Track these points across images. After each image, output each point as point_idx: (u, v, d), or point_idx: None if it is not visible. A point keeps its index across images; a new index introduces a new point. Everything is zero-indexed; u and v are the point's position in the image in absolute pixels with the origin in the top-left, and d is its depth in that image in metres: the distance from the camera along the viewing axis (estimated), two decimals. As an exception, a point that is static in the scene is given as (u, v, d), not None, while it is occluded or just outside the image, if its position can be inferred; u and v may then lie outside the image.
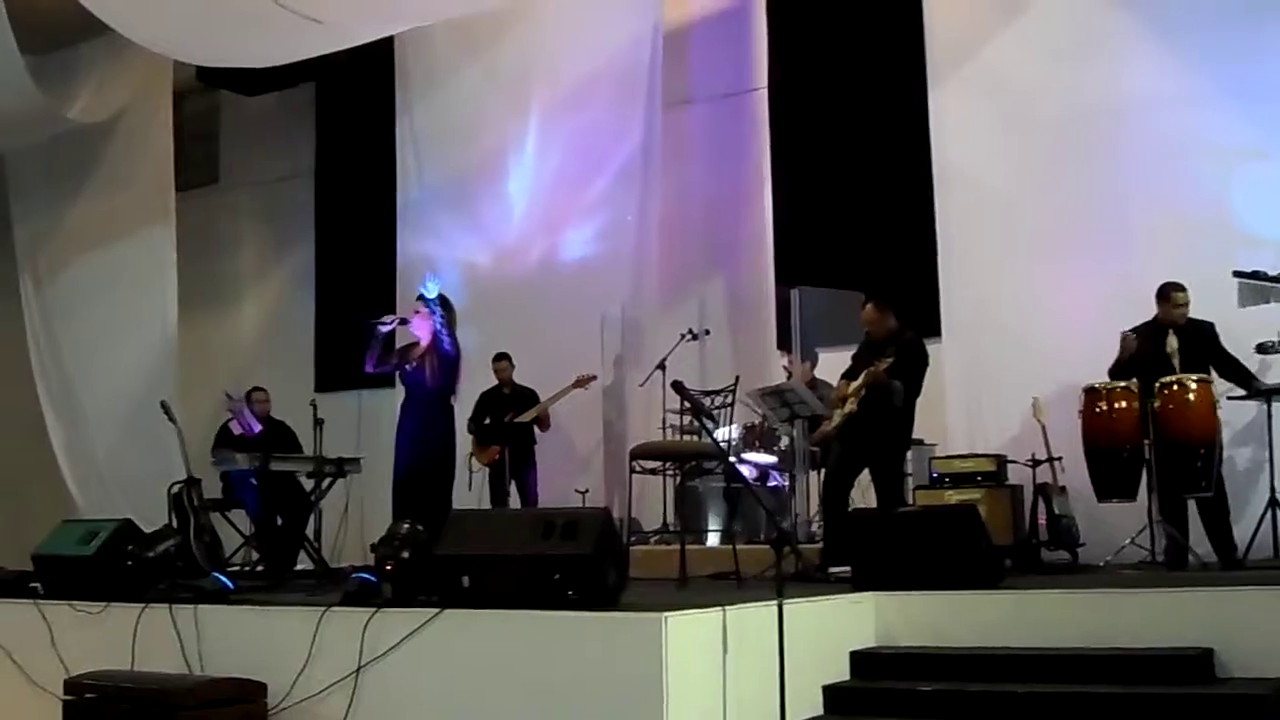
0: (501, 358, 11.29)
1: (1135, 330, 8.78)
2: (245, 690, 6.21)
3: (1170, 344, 8.40)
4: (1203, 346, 8.62)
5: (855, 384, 8.70)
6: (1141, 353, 8.60)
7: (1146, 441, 8.58)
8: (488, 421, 11.10)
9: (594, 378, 11.09)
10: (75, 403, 13.32)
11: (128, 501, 11.40)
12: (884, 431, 8.62)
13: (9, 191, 13.57)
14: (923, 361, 8.77)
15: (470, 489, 10.65)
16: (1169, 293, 8.69)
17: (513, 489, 10.98)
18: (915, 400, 8.74)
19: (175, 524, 9.58)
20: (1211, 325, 8.74)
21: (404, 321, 9.59)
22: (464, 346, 9.84)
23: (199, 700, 6.06)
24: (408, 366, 9.49)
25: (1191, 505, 8.54)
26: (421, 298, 9.61)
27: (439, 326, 9.39)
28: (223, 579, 7.23)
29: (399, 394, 12.14)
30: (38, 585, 7.60)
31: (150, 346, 13.17)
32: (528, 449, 11.07)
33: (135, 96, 12.99)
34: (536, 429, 11.15)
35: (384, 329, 9.43)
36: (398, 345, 9.70)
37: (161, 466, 10.91)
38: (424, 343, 9.46)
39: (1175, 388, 8.43)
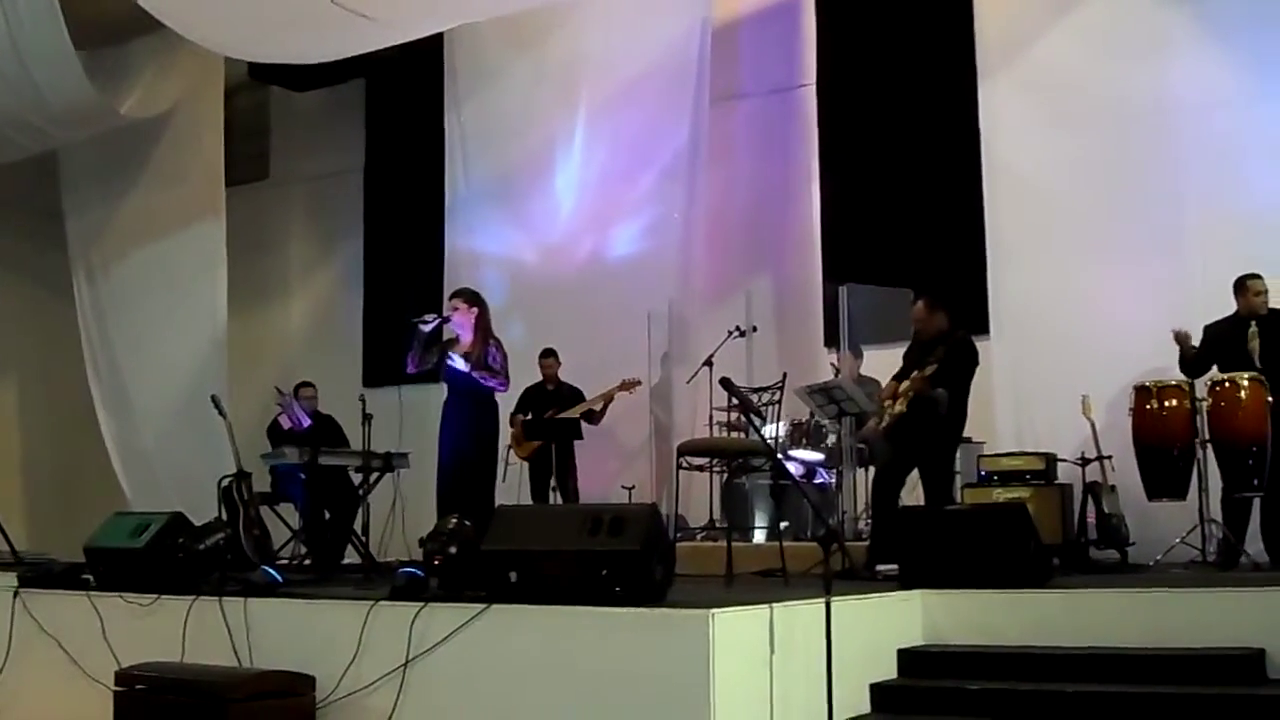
0: (548, 354, 11.29)
1: (1215, 324, 8.74)
2: (294, 683, 6.24)
3: (1251, 335, 8.35)
4: None
5: (903, 386, 8.68)
6: (1221, 345, 8.55)
7: (1197, 440, 8.54)
8: (528, 416, 11.11)
9: (638, 382, 11.09)
10: (126, 396, 13.41)
11: (178, 495, 11.49)
12: (933, 431, 8.59)
13: (62, 186, 13.67)
14: (972, 361, 8.72)
15: (504, 481, 10.56)
16: (1245, 281, 8.66)
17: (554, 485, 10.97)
18: (966, 399, 8.70)
19: (225, 517, 9.65)
20: None
21: (445, 319, 9.56)
22: (510, 341, 9.86)
23: (248, 693, 6.09)
24: (450, 361, 9.47)
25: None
26: (459, 293, 9.59)
27: (492, 347, 9.40)
28: (272, 572, 7.28)
29: (445, 389, 12.27)
30: (89, 577, 7.66)
31: (200, 341, 13.25)
32: (569, 447, 11.06)
33: (187, 92, 13.05)
34: (585, 424, 11.11)
35: (426, 328, 9.39)
36: (437, 347, 9.63)
37: (211, 460, 10.99)
38: (465, 339, 9.44)
39: (1227, 385, 8.39)
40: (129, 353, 13.43)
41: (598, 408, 11.06)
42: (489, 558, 6.12)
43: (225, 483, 10.02)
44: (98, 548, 7.75)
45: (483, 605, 5.88)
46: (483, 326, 9.41)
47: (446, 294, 12.03)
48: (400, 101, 14.50)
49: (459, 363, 9.31)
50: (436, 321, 9.50)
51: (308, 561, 10.45)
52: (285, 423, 11.42)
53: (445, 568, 6.37)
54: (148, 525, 7.60)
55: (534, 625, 5.76)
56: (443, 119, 12.96)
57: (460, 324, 9.44)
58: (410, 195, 14.12)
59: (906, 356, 8.91)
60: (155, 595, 7.03)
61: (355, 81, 14.51)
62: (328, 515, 10.69)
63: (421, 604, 6.06)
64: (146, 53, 12.18)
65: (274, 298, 15.27)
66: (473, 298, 9.50)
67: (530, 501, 10.65)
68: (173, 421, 13.00)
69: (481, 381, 9.33)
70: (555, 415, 10.89)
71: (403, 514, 10.22)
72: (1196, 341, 8.83)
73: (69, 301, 13.69)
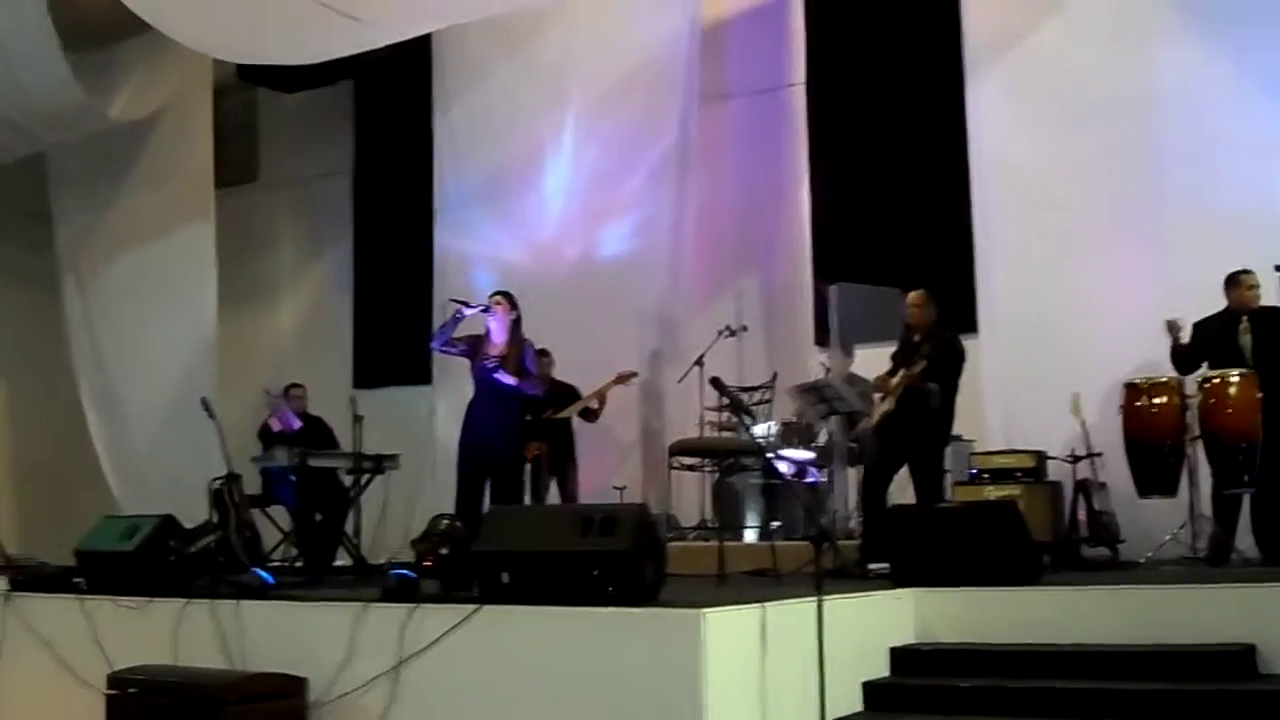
0: (543, 354, 11.28)
1: (1205, 321, 8.75)
2: (286, 685, 6.25)
3: (1243, 331, 8.37)
4: (1279, 331, 8.58)
5: (892, 382, 8.70)
6: (1212, 341, 8.60)
7: (1188, 437, 8.56)
8: (528, 418, 11.09)
9: (635, 374, 11.07)
10: (116, 399, 13.38)
11: (168, 497, 11.43)
12: (922, 429, 8.61)
13: (51, 189, 13.64)
14: (958, 359, 8.75)
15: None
16: (1238, 277, 8.67)
17: (552, 485, 10.97)
18: (954, 397, 8.73)
19: (216, 520, 9.63)
20: None
21: (486, 309, 9.58)
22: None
23: (240, 695, 6.10)
24: (487, 363, 9.47)
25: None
26: (503, 293, 9.62)
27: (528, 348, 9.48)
28: (263, 574, 7.28)
29: (435, 390, 12.28)
30: (80, 581, 7.66)
31: (190, 343, 13.22)
32: (567, 446, 11.06)
33: (175, 94, 13.02)
34: (577, 424, 11.11)
35: (468, 311, 9.48)
36: (467, 334, 9.68)
37: (201, 462, 10.94)
38: (497, 340, 9.48)
39: (1217, 382, 8.40)
40: (118, 355, 13.40)
41: (594, 405, 11.05)
42: (481, 558, 6.13)
43: (215, 485, 9.98)
44: (88, 551, 7.75)
45: (475, 606, 5.89)
46: (517, 332, 9.53)
47: (436, 295, 12.10)
48: (389, 103, 14.50)
49: (506, 378, 9.39)
50: (478, 309, 9.54)
51: (299, 563, 10.43)
52: (275, 425, 11.39)
53: (437, 569, 6.38)
54: (138, 528, 7.61)
55: (526, 626, 5.77)
56: (431, 120, 12.94)
57: (498, 321, 9.49)
58: (399, 196, 14.12)
59: (894, 358, 8.93)
60: (146, 598, 7.03)
61: (344, 83, 14.49)
62: (319, 517, 10.67)
63: (413, 605, 6.07)
64: (135, 55, 12.14)
65: (263, 299, 15.24)
66: (515, 302, 9.59)
67: (533, 501, 10.66)
68: (162, 424, 12.98)
69: (523, 390, 9.43)
70: (553, 415, 10.89)
71: (399, 515, 10.20)
72: (1188, 335, 8.85)
73: (58, 304, 13.66)
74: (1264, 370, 8.37)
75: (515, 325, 9.49)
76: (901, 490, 8.97)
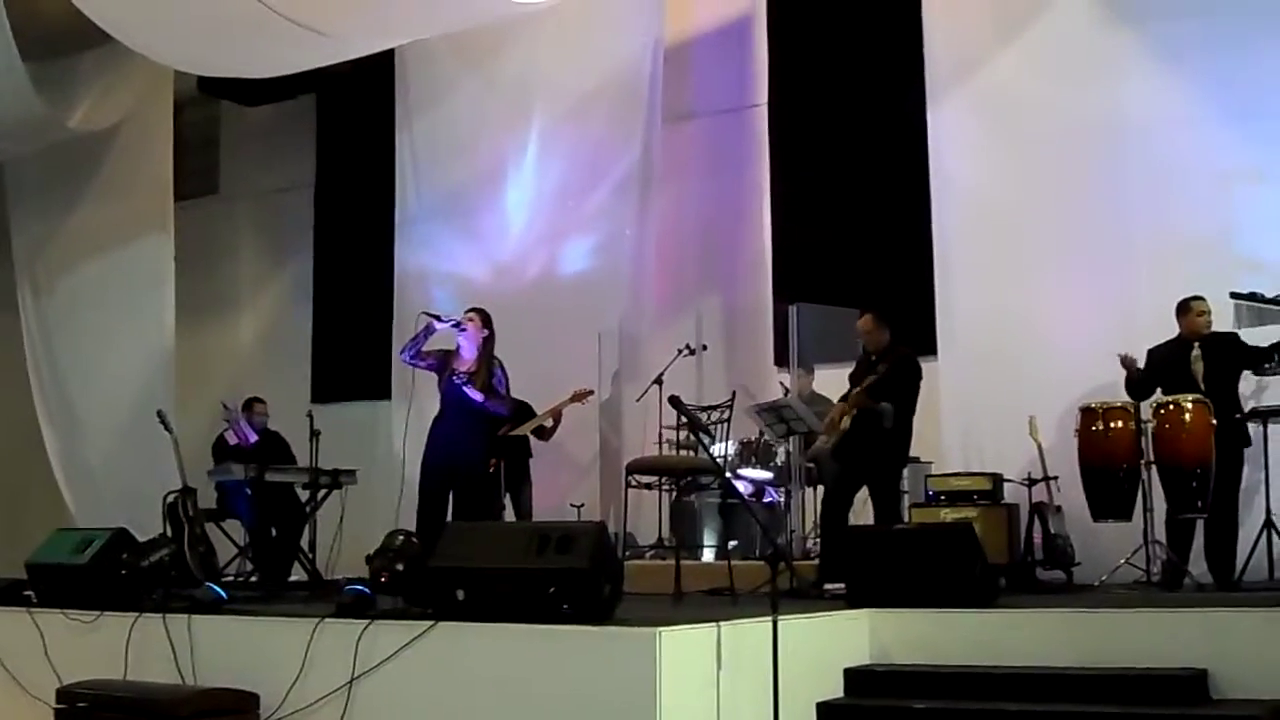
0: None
1: (1159, 347, 8.82)
2: (238, 701, 6.21)
3: (1195, 359, 8.43)
4: (1229, 357, 8.64)
5: (843, 408, 8.75)
6: (1165, 368, 8.67)
7: (1142, 462, 8.62)
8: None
9: (591, 393, 11.06)
10: (71, 411, 13.30)
11: (122, 511, 11.34)
12: (879, 449, 8.64)
13: (8, 199, 13.56)
14: (915, 377, 8.79)
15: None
16: (1188, 304, 8.72)
17: (507, 502, 10.94)
18: (911, 417, 8.77)
19: (170, 534, 9.58)
20: (1235, 335, 8.77)
21: (458, 325, 9.55)
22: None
23: (192, 711, 6.06)
24: (455, 379, 9.43)
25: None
26: (476, 310, 9.60)
27: (497, 368, 9.44)
28: (216, 589, 7.24)
29: (394, 406, 12.23)
30: (31, 594, 7.60)
31: (147, 356, 13.14)
32: (523, 463, 11.04)
33: (136, 106, 12.97)
34: (534, 441, 11.10)
35: (440, 325, 9.44)
36: (437, 348, 9.64)
37: (157, 476, 10.90)
38: (467, 356, 9.44)
39: (1171, 408, 8.45)
40: (74, 367, 13.32)
41: (548, 423, 11.03)
42: (436, 575, 6.11)
43: (170, 499, 9.95)
44: (40, 564, 7.69)
45: (429, 623, 5.87)
46: (488, 351, 9.46)
47: (396, 310, 12.07)
48: (351, 117, 14.46)
49: (474, 394, 9.34)
50: (450, 324, 9.50)
51: (254, 578, 10.39)
52: (231, 438, 11.35)
53: (392, 585, 6.36)
54: (91, 541, 7.56)
55: (481, 643, 5.76)
56: (394, 135, 12.90)
57: (469, 338, 9.45)
58: (361, 211, 14.07)
59: (852, 378, 8.97)
60: (98, 612, 6.99)
61: (306, 97, 14.46)
62: (274, 532, 10.62)
63: (368, 621, 6.04)
64: (95, 65, 12.09)
65: (222, 313, 15.17)
66: (487, 320, 9.54)
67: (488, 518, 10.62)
68: (118, 437, 12.90)
69: (489, 408, 9.39)
70: (508, 432, 10.86)
71: (355, 531, 10.14)
72: (1142, 364, 8.92)
73: (14, 315, 13.57)
74: (1215, 396, 8.43)
75: (486, 343, 9.45)
76: (858, 512, 8.98)
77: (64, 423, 13.33)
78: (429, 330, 9.45)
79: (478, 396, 9.33)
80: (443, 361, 9.52)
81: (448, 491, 9.31)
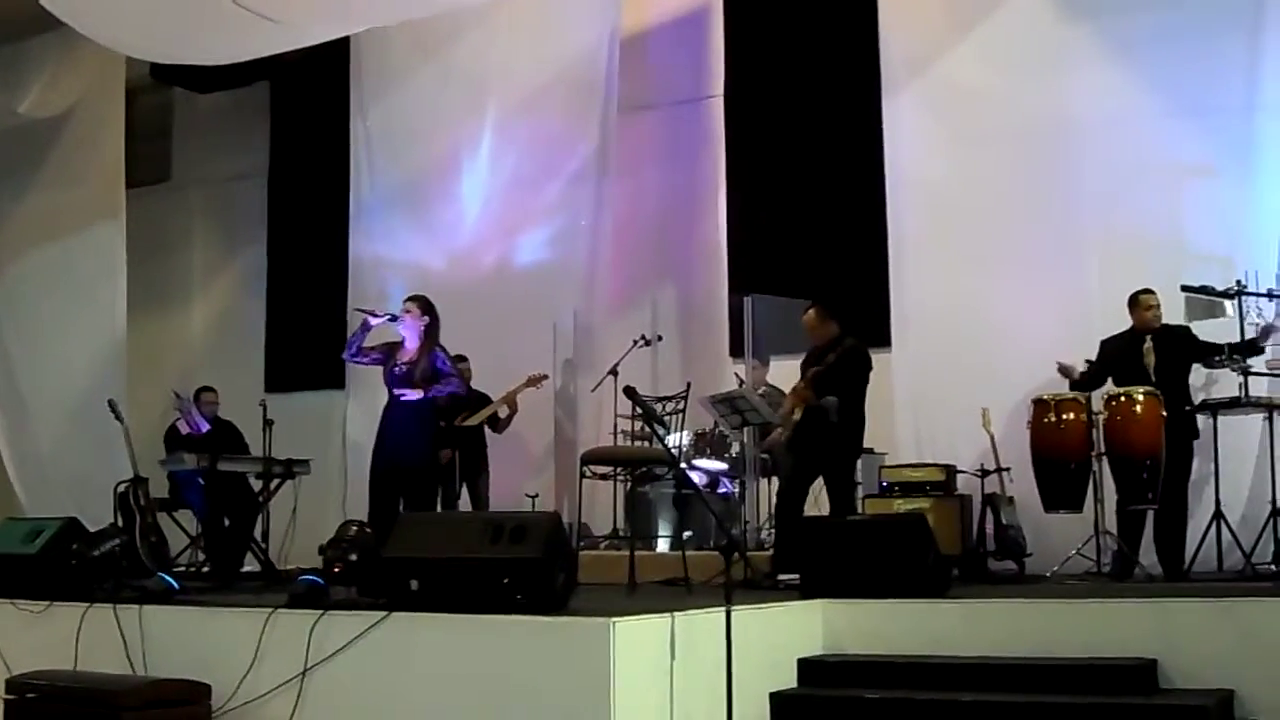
0: (461, 359, 11.21)
1: (1111, 339, 8.90)
2: (190, 692, 6.17)
3: (1147, 351, 8.49)
4: (1181, 350, 8.72)
5: (787, 404, 8.79)
6: (1117, 359, 8.77)
7: (1093, 453, 8.68)
8: (442, 424, 11.03)
9: (545, 377, 11.05)
10: (21, 400, 13.18)
11: (73, 500, 11.28)
12: (831, 441, 8.67)
13: (-43, 186, 13.45)
14: (864, 368, 8.81)
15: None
16: (1138, 297, 8.83)
17: (464, 492, 10.92)
18: (863, 406, 8.79)
19: (121, 523, 9.52)
20: (1186, 329, 8.85)
21: (394, 318, 9.47)
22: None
23: (142, 701, 6.02)
24: (396, 370, 9.35)
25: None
26: (414, 298, 9.54)
27: (438, 351, 9.36)
28: (168, 579, 7.19)
29: (348, 395, 12.20)
30: (-20, 584, 7.53)
31: (98, 344, 13.06)
32: (479, 452, 11.02)
33: (87, 92, 12.88)
34: (489, 432, 11.09)
35: (375, 321, 9.37)
36: (381, 342, 9.58)
37: (108, 465, 10.83)
38: (409, 347, 9.37)
39: (1123, 400, 8.51)
40: (25, 355, 13.21)
41: (503, 412, 11.01)
42: (390, 565, 6.09)
43: (121, 488, 9.89)
44: (-11, 553, 7.62)
45: (383, 613, 5.85)
46: (431, 336, 9.36)
47: (350, 300, 11.99)
48: (305, 105, 14.37)
49: (410, 395, 9.24)
50: (385, 319, 9.44)
51: (206, 569, 10.33)
52: (183, 428, 11.25)
53: (345, 575, 6.34)
54: (41, 531, 7.50)
55: (434, 633, 5.74)
56: (348, 123, 12.84)
57: (409, 328, 9.36)
58: (315, 200, 13.99)
59: (803, 368, 8.98)
60: (48, 602, 6.93)
61: (260, 84, 14.36)
62: (227, 522, 10.56)
63: (321, 612, 6.02)
64: (46, 51, 12.01)
65: (175, 301, 15.07)
66: (427, 306, 9.43)
67: (444, 508, 10.59)
68: (69, 425, 12.81)
69: (437, 395, 9.32)
70: (464, 421, 10.83)
71: (309, 521, 10.11)
72: (1091, 357, 8.98)
73: (-38, 302, 13.45)
74: (1166, 389, 8.50)
75: (429, 330, 9.38)
76: (812, 504, 9.01)
77: (14, 411, 13.22)
78: (365, 327, 9.39)
79: (413, 396, 9.24)
80: (387, 354, 9.45)
81: (397, 481, 9.25)
